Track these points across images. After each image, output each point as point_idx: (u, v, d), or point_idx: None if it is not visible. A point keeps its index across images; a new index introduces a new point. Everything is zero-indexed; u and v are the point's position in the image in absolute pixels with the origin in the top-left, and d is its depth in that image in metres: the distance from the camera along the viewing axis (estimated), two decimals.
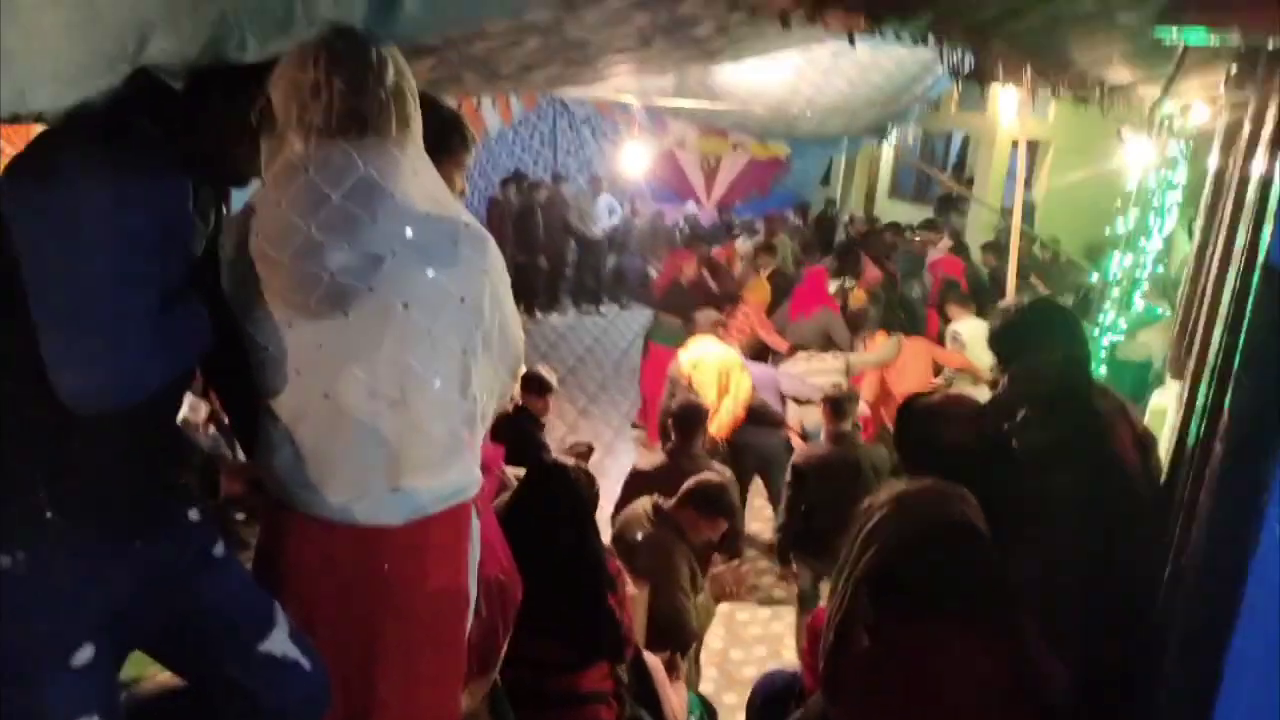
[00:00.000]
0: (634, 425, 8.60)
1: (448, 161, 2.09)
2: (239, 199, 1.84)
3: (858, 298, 7.63)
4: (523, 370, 1.99)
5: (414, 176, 1.70)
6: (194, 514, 1.75)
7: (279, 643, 1.72)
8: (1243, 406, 1.43)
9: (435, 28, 1.81)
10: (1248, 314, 1.47)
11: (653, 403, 7.25)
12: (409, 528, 1.81)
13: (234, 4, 1.58)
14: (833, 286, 7.80)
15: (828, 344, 6.90)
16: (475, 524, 2.05)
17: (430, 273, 1.69)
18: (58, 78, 1.58)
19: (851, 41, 1.71)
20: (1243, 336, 1.45)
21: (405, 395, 1.73)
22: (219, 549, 1.75)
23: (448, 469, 1.83)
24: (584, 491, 2.96)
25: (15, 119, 2.15)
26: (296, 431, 1.78)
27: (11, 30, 1.50)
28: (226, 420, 5.55)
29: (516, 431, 4.72)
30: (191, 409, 5.67)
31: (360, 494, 1.78)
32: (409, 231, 1.67)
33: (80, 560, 1.55)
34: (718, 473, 4.31)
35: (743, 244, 10.81)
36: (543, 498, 2.84)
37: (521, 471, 3.10)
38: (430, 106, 1.87)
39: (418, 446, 1.77)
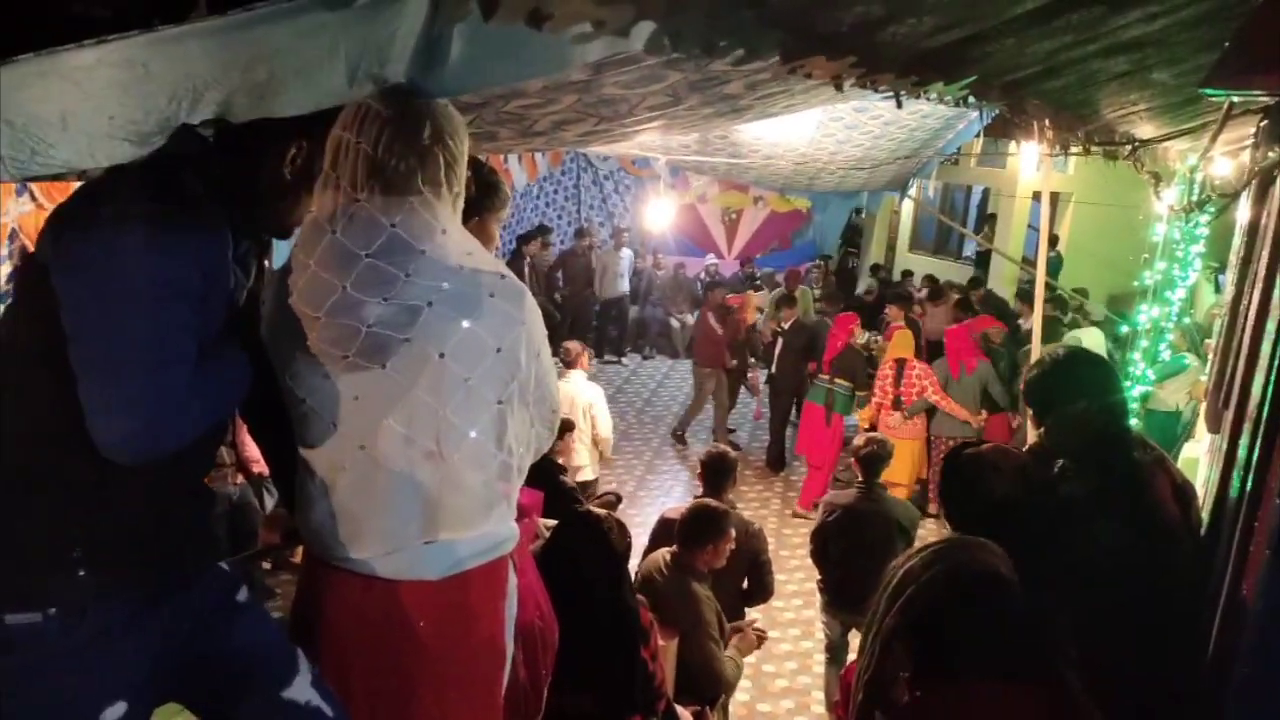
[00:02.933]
0: None
1: (488, 217, 2.13)
2: (282, 250, 1.88)
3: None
4: (558, 424, 1.99)
5: (444, 235, 1.72)
6: (222, 563, 1.75)
7: (301, 689, 1.71)
8: None
9: (478, 84, 1.85)
10: None
11: None
12: (446, 582, 1.80)
13: (282, 62, 1.62)
14: (862, 338, 7.97)
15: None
16: (513, 579, 2.04)
17: (466, 324, 1.70)
18: (114, 135, 1.63)
19: (899, 104, 1.73)
20: None
21: (441, 447, 1.73)
22: (243, 594, 1.75)
23: (484, 522, 1.82)
24: (617, 543, 2.94)
25: (58, 175, 2.21)
26: (333, 484, 1.78)
27: (72, 91, 1.56)
28: (256, 470, 5.60)
29: (546, 479, 4.71)
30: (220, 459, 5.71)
31: (396, 547, 1.78)
32: (445, 284, 1.68)
33: (113, 616, 1.54)
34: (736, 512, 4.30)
35: (758, 294, 10.88)
36: (576, 549, 2.83)
37: (550, 521, 3.09)
38: (472, 165, 1.91)
39: (454, 499, 1.77)
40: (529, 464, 1.95)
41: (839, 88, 1.52)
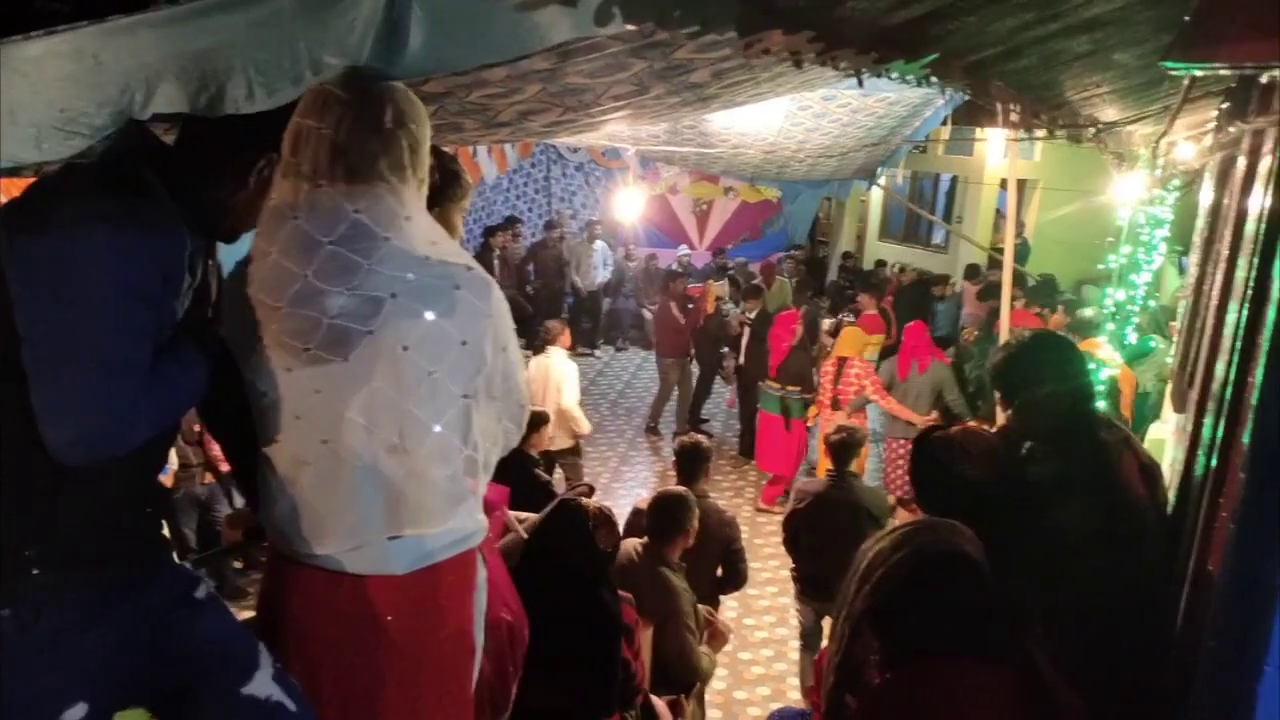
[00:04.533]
0: None
1: (450, 206, 2.10)
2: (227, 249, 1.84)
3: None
4: (527, 418, 1.97)
5: (408, 222, 1.69)
6: (176, 560, 1.74)
7: (262, 685, 1.69)
8: (1265, 434, 1.43)
9: (438, 68, 1.82)
10: (1267, 336, 1.47)
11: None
12: (413, 577, 1.78)
13: (241, 54, 1.59)
14: (828, 325, 7.95)
15: None
16: (482, 572, 2.02)
17: (430, 315, 1.67)
18: (64, 128, 1.59)
19: (860, 82, 1.73)
20: (1262, 365, 1.46)
21: (405, 440, 1.70)
22: (202, 591, 1.73)
23: (450, 516, 1.80)
24: (604, 539, 2.92)
25: (14, 171, 2.16)
26: (296, 479, 1.76)
27: (20, 83, 1.51)
28: (225, 469, 5.53)
29: (519, 473, 4.70)
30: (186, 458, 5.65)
31: (361, 542, 1.75)
32: (410, 275, 1.66)
33: (68, 616, 1.52)
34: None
35: (717, 284, 10.93)
36: (559, 543, 2.81)
37: (523, 515, 3.07)
38: (433, 154, 1.89)
39: (418, 493, 1.74)
40: (496, 459, 1.92)
41: (798, 64, 1.51)
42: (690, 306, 9.63)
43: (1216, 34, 1.34)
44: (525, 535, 2.94)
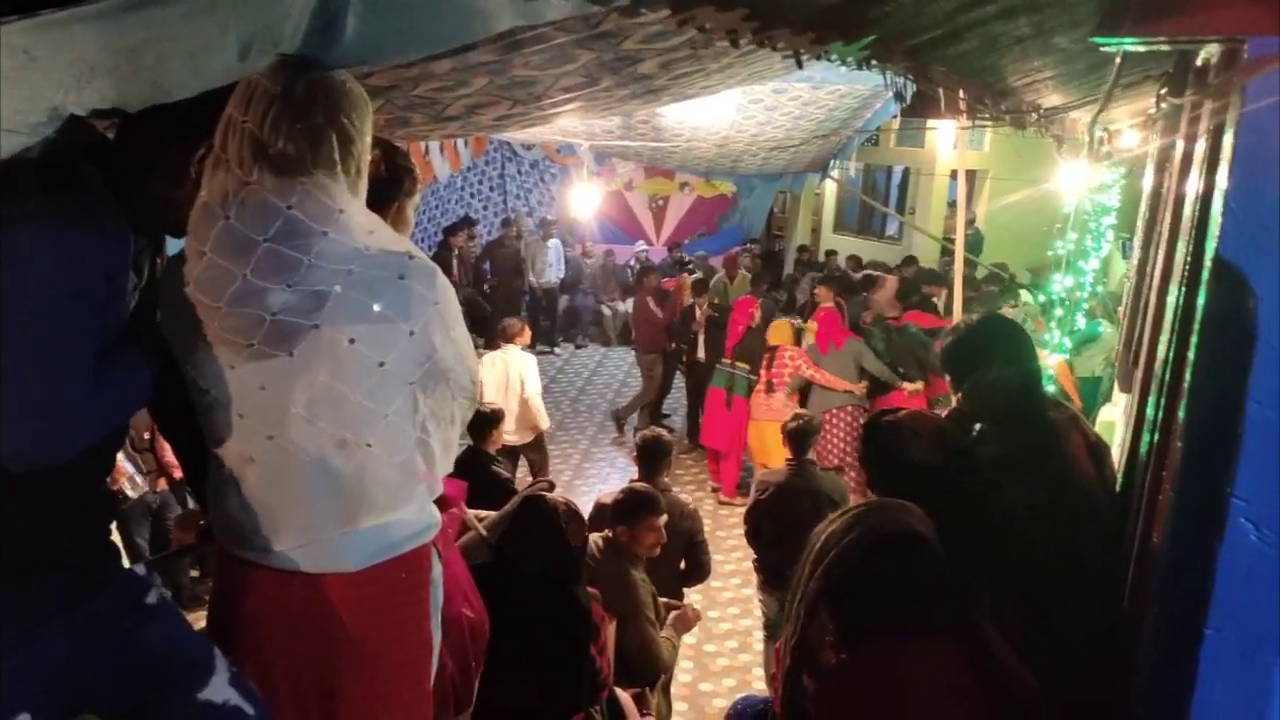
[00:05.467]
0: None
1: (406, 202, 2.08)
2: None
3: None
4: (479, 393, 1.95)
5: (342, 215, 1.66)
6: (125, 565, 1.71)
7: (219, 689, 1.66)
8: (1199, 409, 1.47)
9: (377, 58, 1.79)
10: (1198, 316, 1.51)
11: None
12: (366, 573, 1.76)
13: (171, 44, 1.56)
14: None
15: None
16: (437, 566, 2.00)
17: (378, 307, 1.65)
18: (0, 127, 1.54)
19: (799, 64, 1.73)
20: (1194, 341, 1.49)
21: (354, 433, 1.68)
22: (153, 597, 1.70)
23: (404, 507, 1.78)
24: (574, 535, 2.90)
25: None
26: (243, 477, 1.73)
27: None
28: (177, 476, 5.44)
29: (477, 471, 4.67)
30: (134, 462, 5.55)
31: (312, 539, 1.73)
32: (352, 267, 1.63)
33: (14, 626, 1.48)
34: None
35: (691, 277, 10.96)
36: (529, 540, 2.79)
37: (484, 513, 3.05)
38: (385, 151, 1.87)
39: (370, 487, 1.72)
40: (455, 437, 1.91)
41: (734, 43, 1.51)
42: (666, 301, 9.59)
43: (1144, 9, 1.37)
44: (484, 533, 2.92)
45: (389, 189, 2.00)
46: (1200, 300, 1.49)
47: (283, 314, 1.60)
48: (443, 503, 2.05)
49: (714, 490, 8.21)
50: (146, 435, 5.48)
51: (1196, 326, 1.47)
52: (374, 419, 1.69)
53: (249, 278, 1.60)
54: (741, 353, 7.90)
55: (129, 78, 1.58)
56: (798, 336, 7.51)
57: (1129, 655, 1.69)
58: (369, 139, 1.77)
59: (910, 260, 11.30)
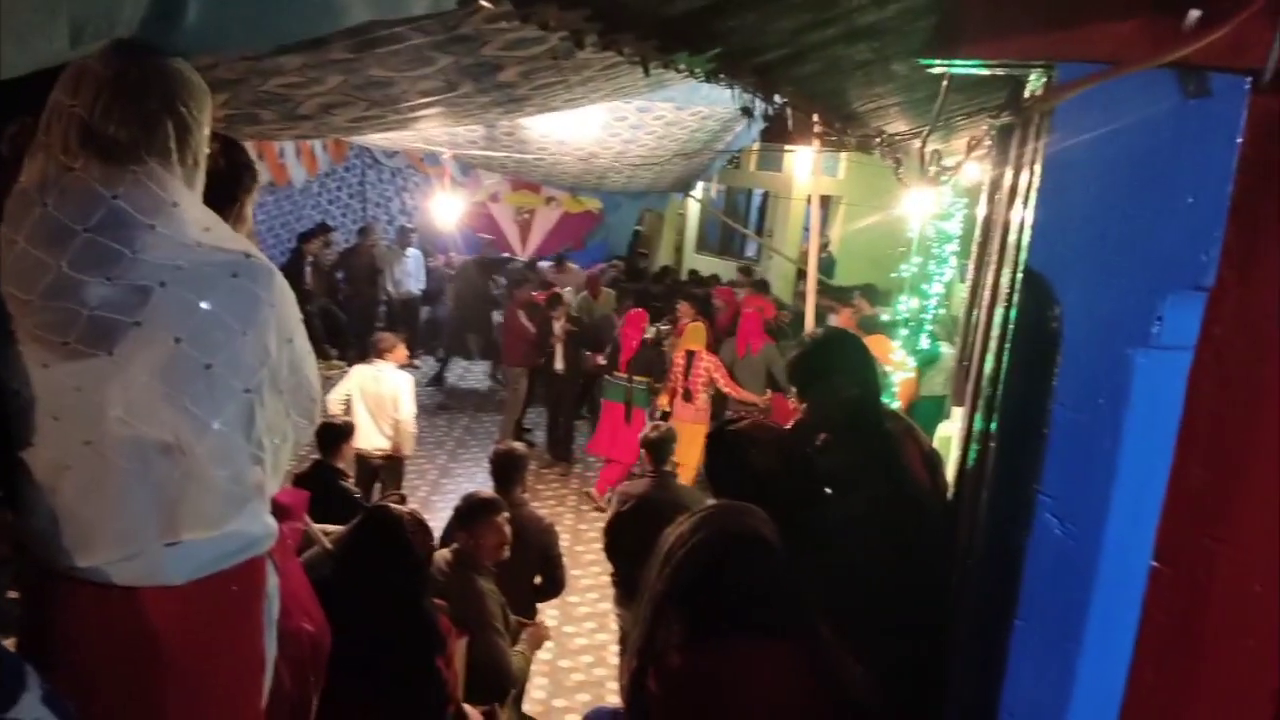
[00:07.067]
0: None
1: (246, 199, 2.00)
2: None
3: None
4: (320, 413, 1.88)
5: (175, 208, 1.58)
6: None
7: (30, 708, 1.53)
8: (1011, 412, 1.57)
9: (220, 44, 1.72)
10: (1010, 332, 1.61)
11: None
12: (194, 586, 1.66)
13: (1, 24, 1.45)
14: (650, 331, 8.36)
15: None
16: (272, 579, 1.91)
17: (206, 305, 1.56)
18: None
19: (646, 71, 1.76)
20: (1005, 357, 1.59)
21: (179, 439, 1.58)
22: None
23: (234, 519, 1.69)
24: (419, 546, 2.83)
25: None
26: (56, 486, 1.60)
27: None
28: None
29: (323, 486, 4.51)
30: None
31: (133, 552, 1.62)
32: (181, 263, 1.55)
33: None
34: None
35: (567, 290, 10.97)
36: (372, 552, 2.70)
37: (330, 528, 2.94)
38: (221, 145, 1.79)
39: (196, 496, 1.62)
40: (286, 456, 1.83)
41: (579, 44, 1.52)
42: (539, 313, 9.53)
43: (961, 32, 1.47)
44: (329, 547, 2.82)
45: (229, 185, 1.91)
46: (1013, 312, 1.60)
47: (101, 310, 1.50)
48: (282, 513, 1.97)
49: (574, 504, 8.23)
50: None
51: (1009, 336, 1.57)
52: (203, 426, 1.60)
53: (65, 270, 1.49)
54: (636, 366, 8.08)
55: None
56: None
57: (952, 649, 1.78)
58: (207, 130, 1.69)
59: (747, 270, 11.99)
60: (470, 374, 12.27)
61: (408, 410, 6.77)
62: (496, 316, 11.78)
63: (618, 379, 8.24)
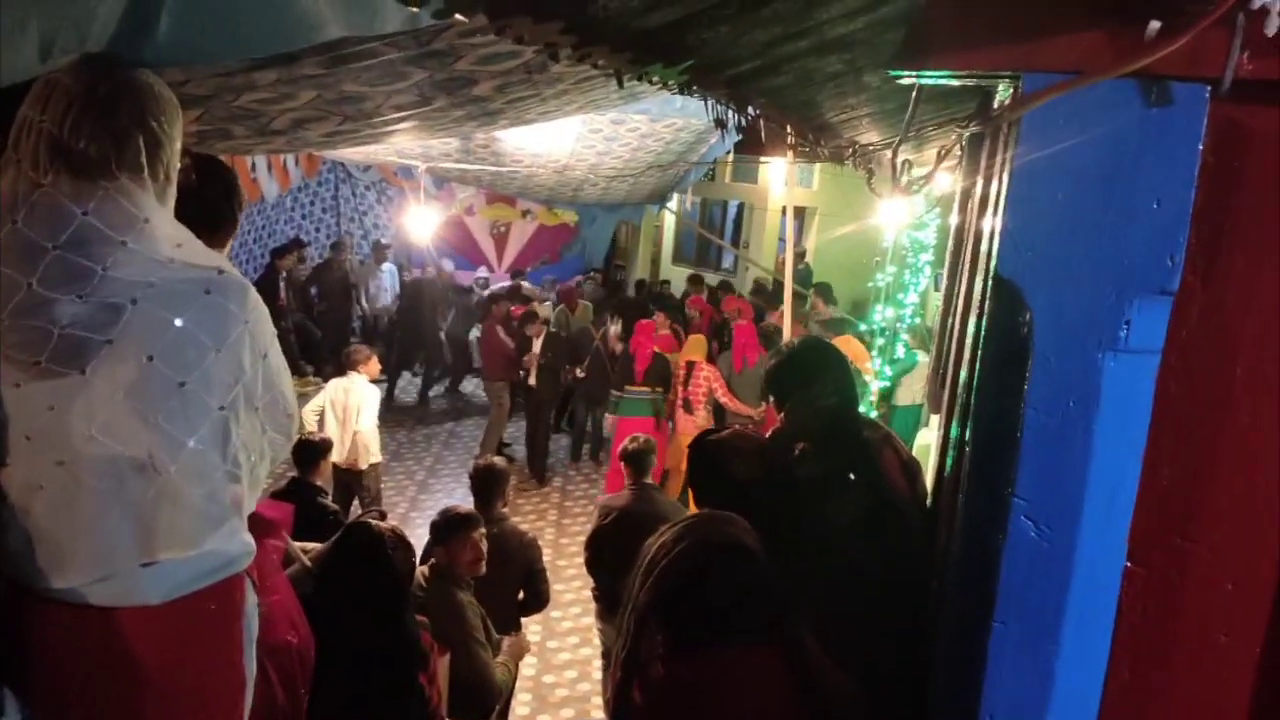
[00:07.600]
0: None
1: (230, 216, 2.00)
2: None
3: None
4: (297, 430, 1.88)
5: (146, 224, 1.57)
6: None
7: None
8: (984, 418, 1.59)
9: (191, 58, 1.71)
10: (982, 339, 1.64)
11: None
12: (170, 606, 1.64)
13: None
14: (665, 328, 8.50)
15: None
16: (251, 597, 1.90)
17: (179, 322, 1.55)
18: None
19: (620, 83, 1.78)
20: (980, 355, 1.62)
21: (153, 458, 1.57)
22: None
23: (210, 538, 1.67)
24: (400, 562, 2.81)
25: None
26: (29, 507, 1.58)
27: None
28: None
29: (302, 503, 4.47)
30: None
31: (109, 573, 1.60)
32: (153, 279, 1.54)
33: None
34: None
35: (543, 305, 10.97)
36: (354, 568, 2.69)
37: (310, 546, 2.92)
38: (202, 159, 1.78)
39: (172, 515, 1.60)
40: (263, 474, 1.82)
41: (554, 57, 1.53)
42: (517, 328, 9.52)
43: (930, 44, 1.49)
44: (309, 564, 2.80)
45: (213, 203, 1.92)
46: (984, 319, 1.62)
47: (72, 328, 1.49)
48: (267, 526, 1.95)
49: (555, 518, 8.20)
50: None
51: (981, 342, 1.60)
52: (177, 445, 1.58)
53: (35, 288, 1.48)
54: (654, 377, 8.05)
55: None
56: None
57: (934, 652, 1.80)
58: (179, 145, 1.69)
59: (696, 279, 12.24)
60: (455, 390, 12.22)
61: (368, 422, 6.82)
62: (474, 333, 11.78)
63: (638, 394, 8.11)
